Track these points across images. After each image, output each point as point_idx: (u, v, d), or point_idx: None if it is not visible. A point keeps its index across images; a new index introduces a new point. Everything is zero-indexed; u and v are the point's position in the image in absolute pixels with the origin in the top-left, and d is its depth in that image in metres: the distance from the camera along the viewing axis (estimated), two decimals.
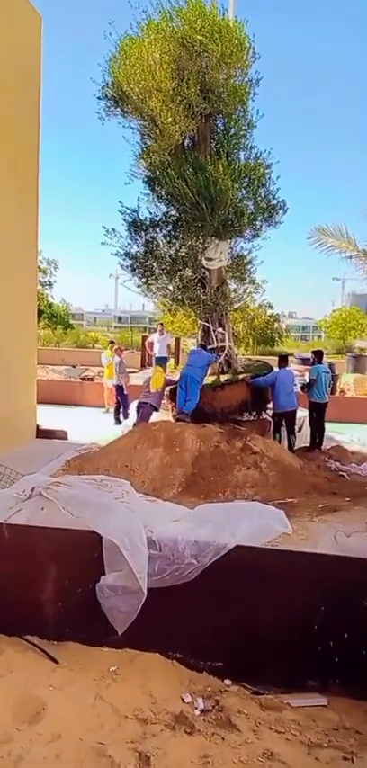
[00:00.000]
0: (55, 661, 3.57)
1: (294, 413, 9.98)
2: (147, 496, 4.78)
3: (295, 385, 10.37)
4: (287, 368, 10.15)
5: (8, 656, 3.46)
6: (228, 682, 3.81)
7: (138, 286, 10.36)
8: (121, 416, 13.27)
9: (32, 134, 10.33)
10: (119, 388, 13.39)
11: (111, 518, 3.95)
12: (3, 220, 8.99)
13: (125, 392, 13.25)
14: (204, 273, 10.12)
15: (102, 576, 3.80)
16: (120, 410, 13.41)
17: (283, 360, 10.24)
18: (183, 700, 3.45)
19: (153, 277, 10.17)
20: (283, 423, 9.90)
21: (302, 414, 10.95)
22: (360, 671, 3.59)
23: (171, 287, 10.19)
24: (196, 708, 3.39)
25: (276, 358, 10.91)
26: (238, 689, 3.71)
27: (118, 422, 13.12)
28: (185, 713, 3.24)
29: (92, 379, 16.55)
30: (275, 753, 2.87)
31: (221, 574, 3.84)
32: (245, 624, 3.85)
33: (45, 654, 3.59)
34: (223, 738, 2.99)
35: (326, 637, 3.65)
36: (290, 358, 11.71)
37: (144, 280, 10.20)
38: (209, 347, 10.42)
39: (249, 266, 10.88)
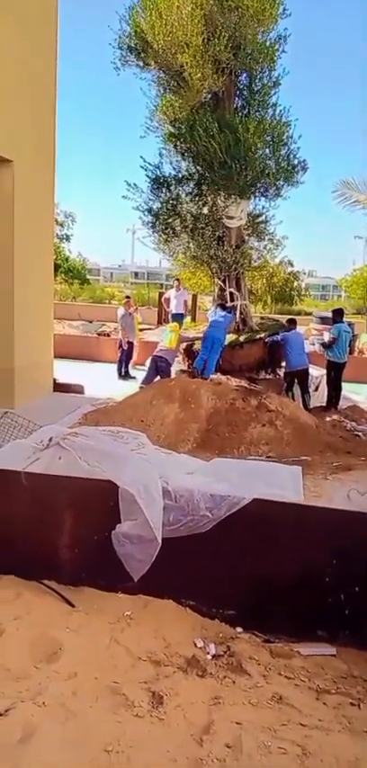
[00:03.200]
0: (71, 605, 3.67)
1: (306, 372, 10.00)
2: (163, 449, 4.82)
3: (312, 345, 10.31)
4: (296, 329, 10.17)
5: (26, 599, 3.57)
6: (239, 629, 3.90)
7: (158, 243, 10.27)
8: (123, 370, 13.27)
9: (49, 81, 10.10)
10: (120, 344, 13.37)
11: (128, 468, 4.01)
12: (20, 170, 8.88)
13: (123, 347, 13.16)
14: (224, 231, 9.98)
15: (118, 525, 3.88)
16: (120, 363, 13.39)
17: (292, 322, 10.28)
18: (195, 644, 3.55)
19: (174, 234, 10.05)
20: (296, 383, 9.93)
21: (319, 373, 10.90)
22: None
23: (191, 245, 10.08)
24: (208, 652, 3.48)
25: (295, 317, 10.86)
26: (249, 636, 3.80)
27: (122, 376, 13.15)
28: (197, 657, 3.34)
29: (108, 335, 16.59)
30: (284, 697, 2.95)
31: (236, 526, 3.89)
32: (257, 575, 3.92)
33: (62, 598, 3.70)
34: (234, 682, 3.08)
35: (337, 590, 3.70)
36: (310, 317, 11.62)
37: (164, 237, 10.09)
38: (227, 306, 10.36)
39: (268, 225, 10.73)
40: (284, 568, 3.79)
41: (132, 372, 13.36)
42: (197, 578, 3.99)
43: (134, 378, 12.82)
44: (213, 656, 3.46)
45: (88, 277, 30.71)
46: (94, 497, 3.93)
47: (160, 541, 3.82)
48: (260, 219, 10.64)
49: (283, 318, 11.97)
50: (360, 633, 3.62)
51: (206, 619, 3.95)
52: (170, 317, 15.67)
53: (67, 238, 26.57)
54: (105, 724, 2.35)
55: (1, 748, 2.15)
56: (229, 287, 10.27)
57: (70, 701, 2.53)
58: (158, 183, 9.99)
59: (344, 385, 10.35)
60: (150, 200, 9.99)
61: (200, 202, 9.93)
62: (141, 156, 9.89)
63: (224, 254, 9.92)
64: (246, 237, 10.45)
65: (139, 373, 12.42)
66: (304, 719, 2.69)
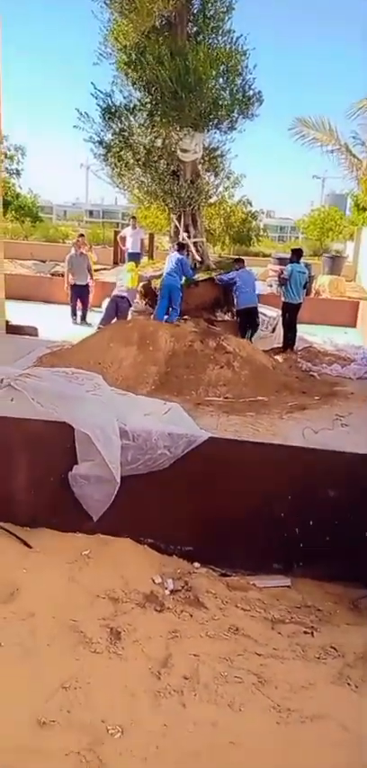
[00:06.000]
0: (28, 546, 3.63)
1: (255, 309, 9.98)
2: (119, 390, 4.74)
3: (270, 286, 10.27)
4: (245, 268, 10.12)
5: None
6: (197, 564, 3.97)
7: (112, 177, 9.82)
8: (78, 319, 12.74)
9: None
10: (73, 287, 12.66)
11: (83, 410, 3.92)
12: None
13: (66, 289, 12.53)
14: (178, 166, 9.62)
15: (75, 466, 3.82)
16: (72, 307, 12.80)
17: (239, 261, 10.18)
18: (153, 581, 3.59)
19: (127, 168, 9.61)
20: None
21: (276, 314, 10.93)
22: (322, 555, 3.78)
23: (145, 179, 9.69)
24: (166, 588, 3.53)
25: (252, 258, 10.76)
26: (207, 571, 3.87)
27: (74, 319, 12.66)
28: (155, 593, 3.38)
29: (62, 275, 15.98)
30: (240, 628, 3.03)
31: (193, 464, 3.91)
32: (215, 511, 3.97)
33: (18, 539, 3.64)
34: (191, 615, 3.14)
35: (292, 523, 3.80)
36: (268, 258, 11.53)
37: (117, 170, 9.64)
38: (184, 244, 10.12)
39: (222, 159, 10.41)
40: (240, 504, 3.85)
41: (89, 318, 12.84)
42: (155, 516, 4.01)
43: (90, 325, 12.39)
44: (171, 592, 3.52)
45: (41, 215, 29.35)
46: (50, 439, 3.84)
47: (119, 481, 3.80)
48: (216, 154, 10.31)
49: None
50: (313, 565, 3.75)
51: (164, 556, 3.99)
52: (126, 255, 15.25)
53: (17, 173, 25.21)
54: (63, 661, 2.35)
55: None
56: (185, 223, 10.01)
57: (27, 640, 2.51)
58: (110, 112, 9.43)
59: (300, 326, 10.42)
60: (102, 130, 9.46)
61: (152, 134, 9.46)
62: (92, 83, 9.29)
63: (179, 189, 9.59)
64: (202, 172, 10.14)
65: (96, 315, 12.10)
66: (259, 649, 2.78)
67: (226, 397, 8.86)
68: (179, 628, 2.95)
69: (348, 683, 2.51)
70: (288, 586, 3.65)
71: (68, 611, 2.98)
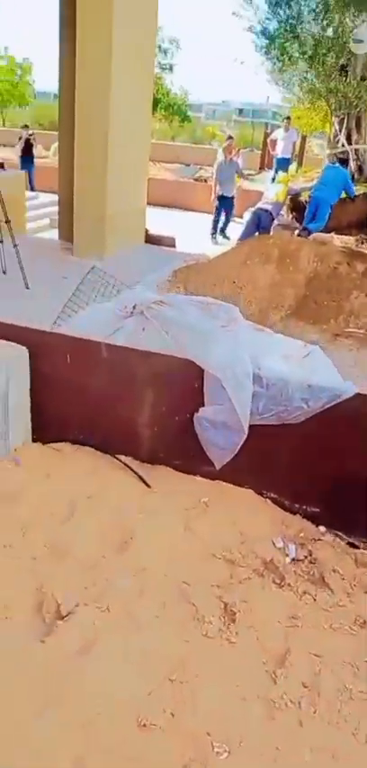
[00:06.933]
0: (147, 485, 3.52)
1: None
2: (256, 325, 4.34)
3: None
4: None
5: (102, 475, 3.45)
6: (322, 528, 3.61)
7: (271, 72, 8.89)
8: (218, 233, 11.97)
9: None
10: (220, 199, 11.77)
11: (215, 348, 3.60)
12: None
13: (213, 202, 11.60)
14: (349, 59, 8.36)
15: (201, 408, 3.57)
16: (219, 225, 11.98)
17: None
18: (274, 544, 3.31)
19: (290, 62, 8.60)
20: None
21: None
22: None
23: (309, 75, 8.61)
24: (287, 555, 3.24)
25: None
26: (333, 539, 3.50)
27: (213, 238, 11.97)
28: (276, 561, 3.10)
29: (205, 181, 15.43)
30: None
31: (333, 420, 3.46)
32: (349, 474, 3.54)
33: (138, 477, 3.54)
34: (314, 599, 2.82)
35: None
36: None
37: (280, 65, 8.67)
38: (345, 159, 9.01)
39: None
40: None
41: (229, 232, 12.12)
42: (282, 470, 3.67)
43: (228, 239, 11.76)
44: (293, 560, 3.22)
45: (189, 113, 28.44)
46: (177, 376, 3.60)
47: (246, 431, 3.49)
48: None
49: None
50: None
51: (287, 514, 3.68)
52: (275, 161, 14.21)
53: (170, 69, 24.31)
54: (172, 642, 2.19)
55: (58, 660, 2.06)
56: (348, 127, 8.85)
57: (136, 605, 2.38)
58: None
59: None
60: (267, 18, 8.44)
61: (324, 22, 8.26)
62: None
63: (346, 88, 8.40)
64: None
65: (237, 228, 11.50)
66: None
67: None
68: (300, 613, 2.65)
69: None
70: None
71: (181, 569, 2.81)
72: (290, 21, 8.28)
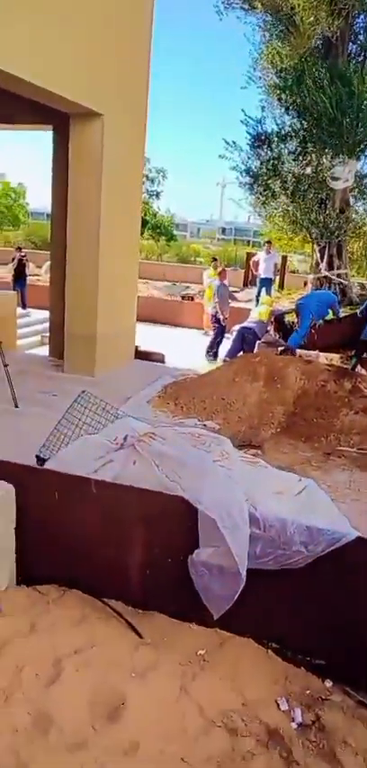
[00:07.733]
0: (139, 635, 3.27)
1: None
2: (249, 458, 4.26)
3: None
4: None
5: (90, 625, 3.21)
6: (328, 683, 3.34)
7: (255, 206, 9.49)
8: (211, 353, 12.24)
9: (143, 32, 9.38)
10: (216, 319, 12.15)
11: (209, 486, 3.49)
12: (110, 124, 8.34)
13: (222, 323, 11.99)
14: (327, 194, 8.98)
15: (196, 551, 3.40)
16: (216, 344, 12.28)
17: None
18: (278, 706, 3.03)
19: (273, 197, 9.21)
20: None
21: None
22: None
23: (291, 208, 9.19)
24: (293, 720, 2.96)
25: None
26: (342, 699, 3.23)
27: (210, 357, 12.23)
28: (280, 729, 2.83)
29: (192, 299, 16.00)
30: None
31: (334, 565, 3.30)
32: (356, 624, 3.34)
33: (129, 625, 3.30)
34: None
35: None
36: None
37: (263, 199, 9.27)
38: (325, 275, 9.45)
39: None
40: None
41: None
42: (283, 617, 3.46)
43: (215, 357, 12.03)
44: (299, 725, 2.94)
45: (175, 232, 30.07)
46: (170, 515, 3.46)
47: (244, 577, 3.30)
48: None
49: None
50: None
51: (290, 666, 3.42)
52: (257, 280, 14.83)
53: (157, 195, 25.96)
54: None
55: None
56: (330, 254, 9.32)
57: None
58: (260, 140, 9.11)
59: None
60: (249, 158, 9.12)
61: (303, 162, 8.95)
62: (242, 110, 9.01)
63: (326, 219, 8.94)
64: (352, 200, 9.38)
65: (223, 344, 11.77)
66: None
67: (360, 449, 8.00)
68: None
69: None
70: None
71: (178, 742, 2.54)
72: (272, 160, 8.95)
